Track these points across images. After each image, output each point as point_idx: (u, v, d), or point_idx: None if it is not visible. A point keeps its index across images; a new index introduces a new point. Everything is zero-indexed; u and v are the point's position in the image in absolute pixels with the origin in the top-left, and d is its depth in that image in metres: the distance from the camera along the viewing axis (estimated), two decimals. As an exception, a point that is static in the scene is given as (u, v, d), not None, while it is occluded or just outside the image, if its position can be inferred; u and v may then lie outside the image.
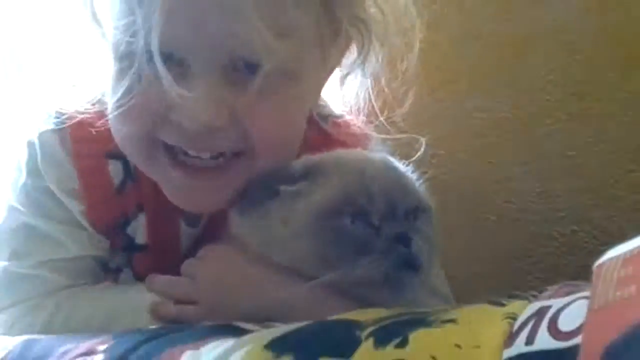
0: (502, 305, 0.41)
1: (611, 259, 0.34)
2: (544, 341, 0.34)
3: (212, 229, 0.65)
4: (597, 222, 0.62)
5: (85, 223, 0.65)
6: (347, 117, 0.69)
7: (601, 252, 0.36)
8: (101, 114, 0.60)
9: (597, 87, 0.63)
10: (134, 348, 0.49)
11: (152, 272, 0.64)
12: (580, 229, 0.63)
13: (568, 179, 0.64)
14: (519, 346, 0.35)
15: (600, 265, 0.35)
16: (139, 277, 0.66)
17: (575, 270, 0.59)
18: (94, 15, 0.55)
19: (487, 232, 0.67)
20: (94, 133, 0.60)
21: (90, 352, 0.50)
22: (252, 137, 0.56)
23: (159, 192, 0.62)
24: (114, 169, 0.63)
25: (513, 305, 0.40)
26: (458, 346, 0.37)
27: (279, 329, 0.45)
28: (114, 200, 0.64)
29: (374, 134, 0.67)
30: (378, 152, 0.62)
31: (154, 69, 0.51)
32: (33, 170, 0.64)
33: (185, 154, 0.57)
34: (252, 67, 0.52)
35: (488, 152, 0.67)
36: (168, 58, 0.52)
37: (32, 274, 0.63)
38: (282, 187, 0.55)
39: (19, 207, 0.65)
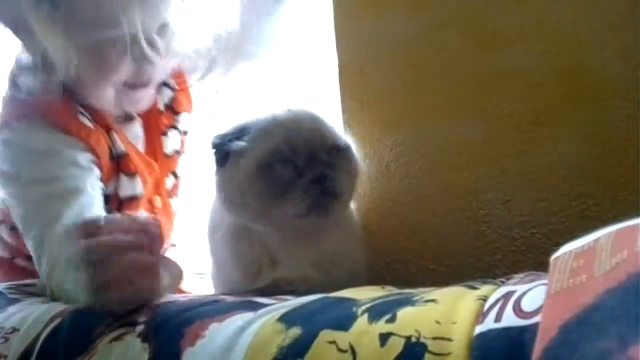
0: (476, 288, 0.40)
1: (565, 253, 0.34)
2: (510, 319, 0.34)
3: (148, 126, 0.76)
4: (551, 226, 0.62)
5: (98, 171, 0.69)
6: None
7: (554, 250, 0.36)
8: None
9: (551, 116, 0.63)
10: (169, 320, 0.49)
11: (137, 171, 0.73)
12: (537, 231, 0.63)
13: (527, 191, 0.64)
14: (489, 323, 0.35)
15: (556, 258, 0.34)
16: (133, 175, 0.73)
17: (532, 265, 0.58)
18: None
19: (461, 232, 0.66)
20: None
21: (132, 323, 0.50)
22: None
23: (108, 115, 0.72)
24: (83, 119, 0.69)
25: (484, 289, 0.40)
26: (438, 322, 0.37)
27: (289, 304, 0.45)
28: (96, 135, 0.70)
29: None
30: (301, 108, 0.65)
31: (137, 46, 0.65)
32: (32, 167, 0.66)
33: (136, 82, 0.70)
34: (163, 28, 0.68)
35: (463, 167, 0.67)
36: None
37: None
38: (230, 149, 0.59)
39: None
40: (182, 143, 0.82)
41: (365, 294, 0.44)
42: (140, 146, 0.76)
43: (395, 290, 0.47)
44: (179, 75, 0.80)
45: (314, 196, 0.56)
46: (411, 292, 0.43)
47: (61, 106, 0.69)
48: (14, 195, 0.67)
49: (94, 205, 0.65)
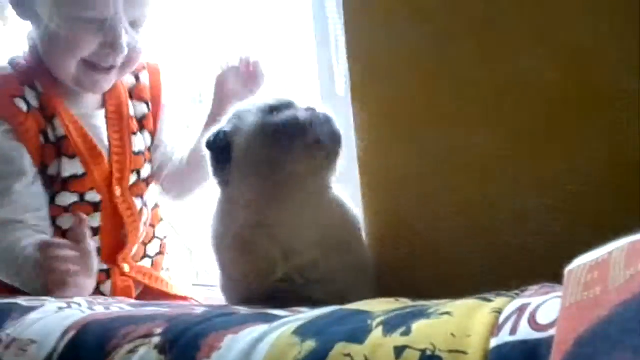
0: (490, 301, 0.41)
1: (579, 266, 0.35)
2: (525, 332, 0.35)
3: (120, 124, 0.87)
4: (564, 237, 0.62)
5: (31, 166, 0.79)
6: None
7: (568, 262, 0.36)
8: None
9: (561, 127, 0.64)
10: (185, 331, 0.49)
11: (77, 153, 0.82)
12: (551, 242, 0.62)
13: (540, 202, 0.64)
14: (504, 336, 0.35)
15: (571, 271, 0.35)
16: (72, 156, 0.82)
17: (546, 276, 0.58)
18: None
19: (475, 243, 0.66)
20: None
21: (149, 335, 0.50)
22: (131, 58, 0.81)
23: (58, 97, 0.82)
24: (18, 103, 0.80)
25: (499, 301, 0.40)
26: (453, 335, 0.37)
27: (303, 317, 0.46)
28: (26, 120, 0.79)
29: None
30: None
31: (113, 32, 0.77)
32: None
33: (96, 64, 0.81)
34: (136, 24, 0.80)
35: (475, 178, 0.67)
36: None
37: None
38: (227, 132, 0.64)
39: None
40: (149, 151, 0.91)
41: (380, 307, 0.45)
42: (101, 138, 0.86)
43: (409, 302, 0.48)
44: (156, 99, 0.92)
45: (321, 122, 0.62)
46: (425, 304, 0.43)
47: (3, 91, 0.80)
48: None
49: (27, 197, 0.79)
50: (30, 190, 0.80)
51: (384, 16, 0.72)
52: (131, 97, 0.90)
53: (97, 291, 0.82)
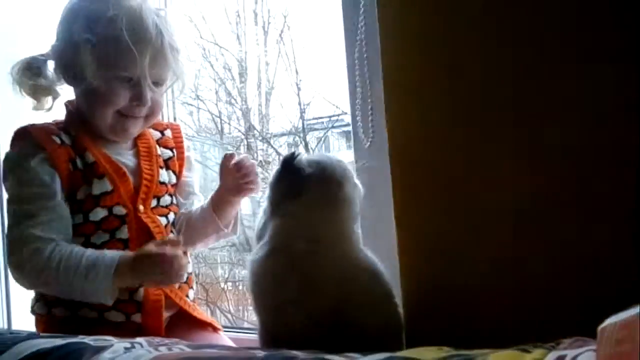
0: (529, 352, 0.45)
1: (610, 324, 0.39)
2: (562, 382, 0.39)
3: (150, 160, 1.03)
4: (594, 295, 0.65)
5: (61, 190, 0.93)
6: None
7: (598, 315, 0.40)
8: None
9: (591, 191, 0.68)
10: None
11: (105, 173, 0.97)
12: (583, 297, 0.66)
13: (570, 262, 0.68)
14: (543, 385, 0.39)
15: (603, 328, 0.39)
16: (101, 176, 0.96)
17: (578, 329, 0.61)
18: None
19: (510, 300, 0.70)
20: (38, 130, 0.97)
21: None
22: (153, 110, 0.99)
23: (89, 140, 0.98)
24: (54, 137, 0.95)
25: (537, 353, 0.44)
26: (496, 382, 0.41)
27: (359, 363, 0.50)
28: (59, 151, 0.94)
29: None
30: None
31: (139, 88, 0.96)
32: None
33: (127, 114, 0.97)
34: (158, 83, 0.99)
35: (504, 237, 0.72)
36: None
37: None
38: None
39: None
40: (172, 189, 1.07)
41: (427, 354, 0.49)
42: (128, 166, 1.01)
43: (452, 351, 0.52)
44: (179, 149, 1.09)
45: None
46: (469, 353, 0.47)
47: (43, 129, 0.98)
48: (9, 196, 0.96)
49: (58, 220, 0.93)
50: (59, 213, 0.94)
51: (421, 82, 0.79)
52: (158, 144, 1.08)
53: (130, 299, 0.95)
